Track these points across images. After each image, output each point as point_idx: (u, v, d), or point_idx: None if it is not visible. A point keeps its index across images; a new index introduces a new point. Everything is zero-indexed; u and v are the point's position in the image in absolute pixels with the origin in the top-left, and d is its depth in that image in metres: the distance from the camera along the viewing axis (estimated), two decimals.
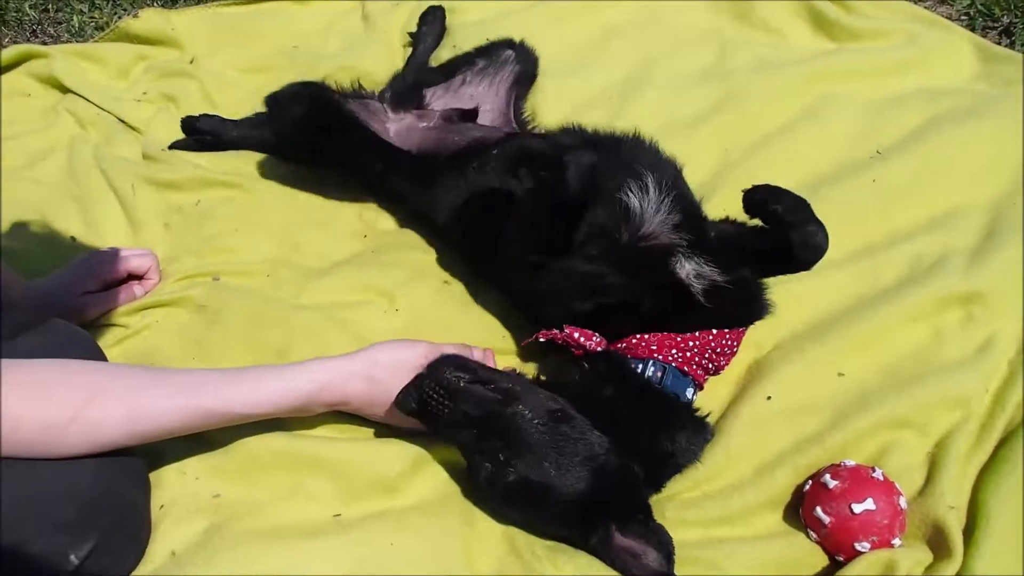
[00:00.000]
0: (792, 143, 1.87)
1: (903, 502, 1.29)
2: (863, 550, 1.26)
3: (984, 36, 2.17)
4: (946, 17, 2.21)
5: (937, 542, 1.29)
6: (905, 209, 1.73)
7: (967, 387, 1.44)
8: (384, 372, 1.33)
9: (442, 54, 2.19)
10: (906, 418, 1.41)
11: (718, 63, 2.10)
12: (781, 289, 1.58)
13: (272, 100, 1.81)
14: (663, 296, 1.40)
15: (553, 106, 1.99)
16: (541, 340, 1.45)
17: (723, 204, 1.65)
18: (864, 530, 1.26)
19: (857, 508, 1.25)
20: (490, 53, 1.98)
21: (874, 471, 1.31)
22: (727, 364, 1.45)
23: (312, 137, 1.77)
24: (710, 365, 1.41)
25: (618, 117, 1.95)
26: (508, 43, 2.00)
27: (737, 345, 1.45)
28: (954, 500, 1.32)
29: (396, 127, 1.83)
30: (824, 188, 1.76)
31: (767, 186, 1.40)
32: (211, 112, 2.04)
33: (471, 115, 1.83)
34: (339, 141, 1.75)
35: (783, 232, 1.34)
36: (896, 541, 1.27)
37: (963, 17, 2.28)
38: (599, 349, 1.41)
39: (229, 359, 1.52)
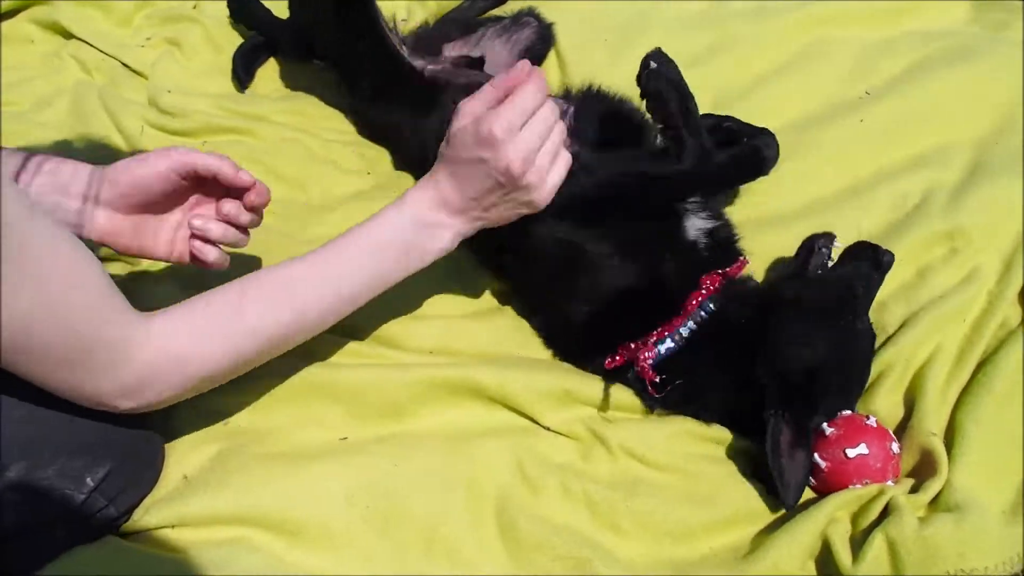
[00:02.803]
0: (783, 85, 1.91)
1: (896, 447, 1.36)
2: None
3: None
4: None
5: (923, 465, 1.36)
6: (892, 148, 1.77)
7: (945, 318, 1.50)
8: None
9: None
10: (891, 361, 1.47)
11: (713, 8, 2.13)
12: (772, 230, 1.66)
13: None
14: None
15: (553, 49, 2.02)
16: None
17: None
18: (858, 473, 1.32)
19: (851, 453, 1.32)
20: (515, 18, 1.99)
21: (868, 419, 1.37)
22: None
23: (332, 11, 1.74)
24: None
25: (614, 63, 1.97)
26: (530, 11, 2.01)
27: None
28: (935, 427, 1.38)
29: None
30: (813, 129, 1.81)
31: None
32: (216, 56, 2.08)
33: (478, 63, 1.83)
34: (356, 28, 1.71)
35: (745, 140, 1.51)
36: (889, 483, 1.33)
37: None
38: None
39: None
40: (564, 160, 1.27)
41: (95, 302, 1.01)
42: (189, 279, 1.49)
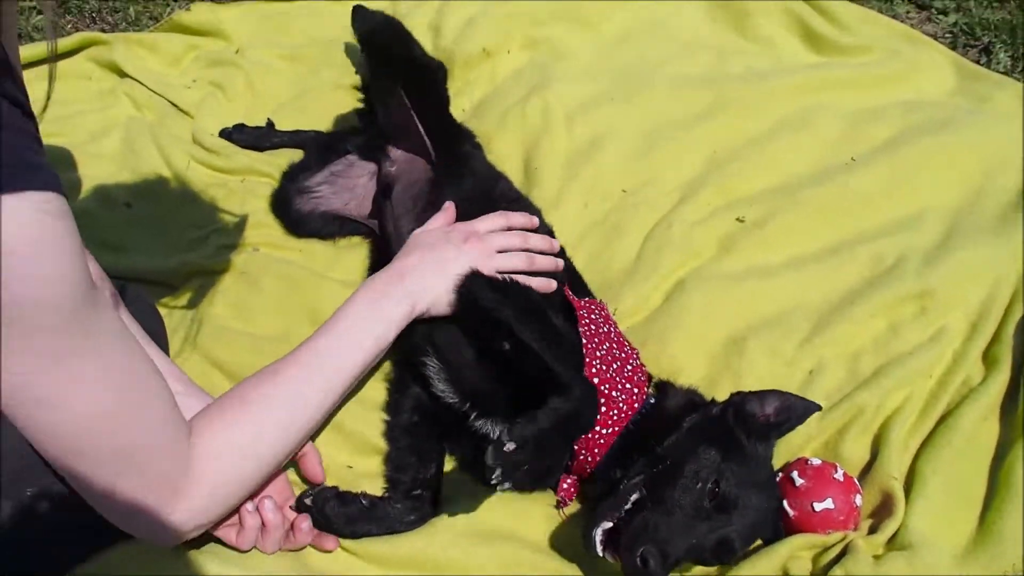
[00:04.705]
0: (775, 148, 2.01)
1: (859, 500, 1.43)
2: None
3: (964, 54, 2.31)
4: (930, 35, 2.37)
5: (883, 506, 1.45)
6: (872, 212, 1.87)
7: (914, 373, 1.59)
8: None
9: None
10: (863, 406, 1.55)
11: (714, 70, 2.24)
12: (757, 281, 1.76)
13: None
14: None
15: (561, 103, 2.12)
16: None
17: (708, 200, 1.86)
18: (823, 524, 1.40)
19: (818, 507, 1.38)
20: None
21: (836, 471, 1.44)
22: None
23: None
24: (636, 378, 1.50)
25: (619, 116, 2.11)
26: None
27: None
28: (896, 472, 1.46)
29: (368, 181, 1.90)
30: (801, 190, 1.91)
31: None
32: (254, 99, 2.23)
33: (386, 191, 1.81)
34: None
35: None
36: (851, 531, 1.41)
37: (947, 35, 2.43)
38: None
39: (265, 319, 1.70)
40: (520, 258, 1.51)
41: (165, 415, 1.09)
42: None
